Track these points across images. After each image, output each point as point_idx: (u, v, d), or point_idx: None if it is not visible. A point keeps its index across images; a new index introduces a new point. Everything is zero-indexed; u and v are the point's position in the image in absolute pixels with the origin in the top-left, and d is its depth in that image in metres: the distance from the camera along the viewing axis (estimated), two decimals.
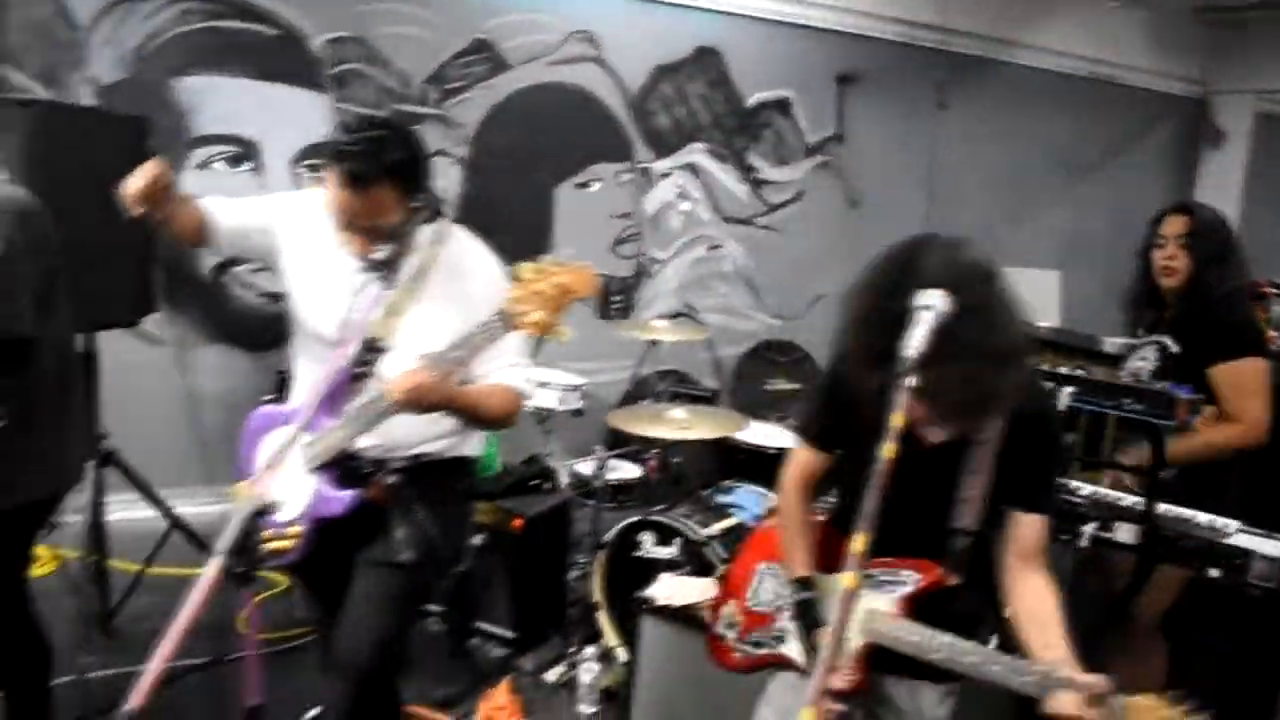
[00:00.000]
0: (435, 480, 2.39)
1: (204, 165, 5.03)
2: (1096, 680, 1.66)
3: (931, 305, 1.66)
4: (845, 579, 1.47)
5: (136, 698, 1.37)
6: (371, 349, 2.20)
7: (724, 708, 3.09)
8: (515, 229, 5.68)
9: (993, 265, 1.77)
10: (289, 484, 2.33)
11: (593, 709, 3.55)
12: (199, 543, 4.12)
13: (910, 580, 2.04)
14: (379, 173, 2.10)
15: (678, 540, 3.64)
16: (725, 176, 6.48)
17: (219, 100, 5.02)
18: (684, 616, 3.23)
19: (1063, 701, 1.67)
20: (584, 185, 6.01)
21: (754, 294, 6.73)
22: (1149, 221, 3.04)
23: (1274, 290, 5.90)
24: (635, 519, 3.77)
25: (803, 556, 2.15)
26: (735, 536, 3.60)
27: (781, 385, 6.61)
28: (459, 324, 2.21)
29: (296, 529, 2.31)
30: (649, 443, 4.73)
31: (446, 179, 5.56)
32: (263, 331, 5.27)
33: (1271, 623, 3.21)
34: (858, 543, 1.47)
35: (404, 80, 5.40)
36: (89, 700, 3.32)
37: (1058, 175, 7.67)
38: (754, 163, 6.56)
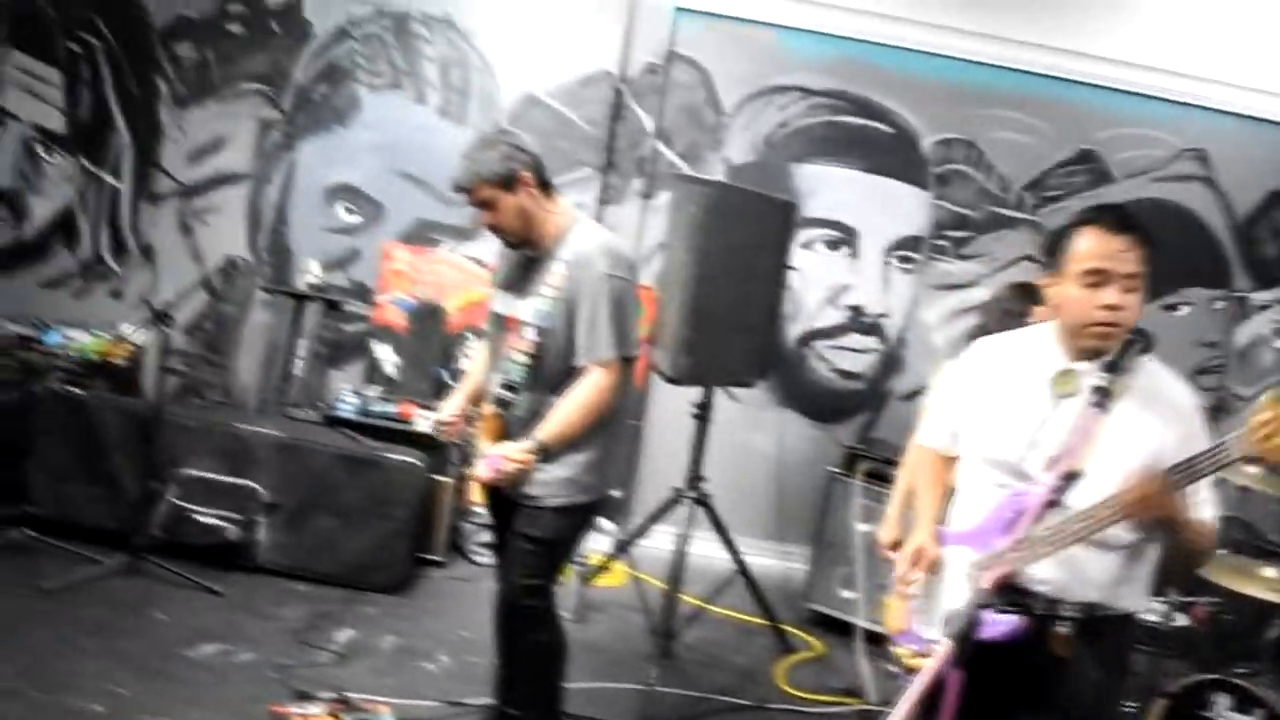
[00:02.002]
0: (1107, 638, 2.25)
1: (807, 245, 5.47)
2: None
3: None
4: None
5: None
6: (1068, 476, 2.09)
7: None
8: None
9: None
10: (945, 604, 2.33)
11: None
12: (756, 592, 4.42)
13: None
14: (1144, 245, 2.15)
15: (1259, 712, 3.32)
16: None
17: (828, 188, 5.47)
18: None
19: None
20: (1171, 308, 5.71)
21: None
22: None
23: None
24: (1212, 676, 3.50)
25: None
26: None
27: None
28: (1156, 445, 2.15)
29: (933, 650, 2.12)
30: (1209, 591, 4.32)
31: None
32: (833, 405, 5.62)
33: None
34: None
35: (1004, 184, 5.51)
36: (649, 708, 3.69)
37: None
38: None
